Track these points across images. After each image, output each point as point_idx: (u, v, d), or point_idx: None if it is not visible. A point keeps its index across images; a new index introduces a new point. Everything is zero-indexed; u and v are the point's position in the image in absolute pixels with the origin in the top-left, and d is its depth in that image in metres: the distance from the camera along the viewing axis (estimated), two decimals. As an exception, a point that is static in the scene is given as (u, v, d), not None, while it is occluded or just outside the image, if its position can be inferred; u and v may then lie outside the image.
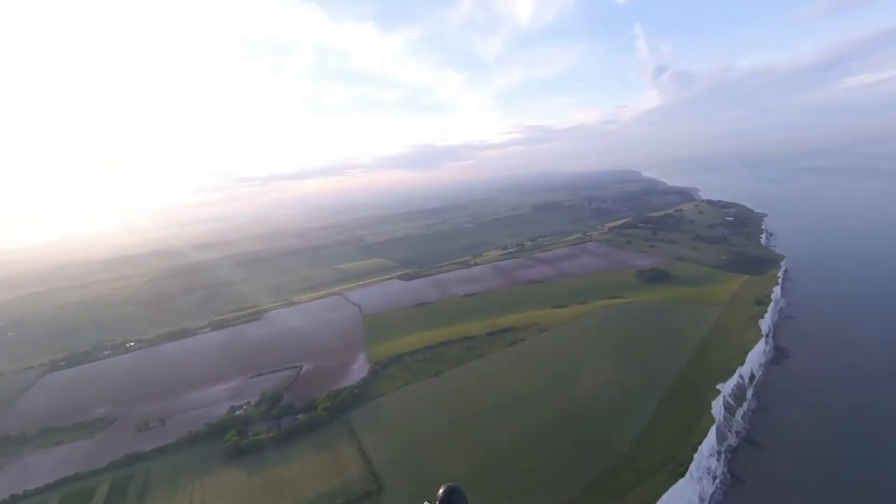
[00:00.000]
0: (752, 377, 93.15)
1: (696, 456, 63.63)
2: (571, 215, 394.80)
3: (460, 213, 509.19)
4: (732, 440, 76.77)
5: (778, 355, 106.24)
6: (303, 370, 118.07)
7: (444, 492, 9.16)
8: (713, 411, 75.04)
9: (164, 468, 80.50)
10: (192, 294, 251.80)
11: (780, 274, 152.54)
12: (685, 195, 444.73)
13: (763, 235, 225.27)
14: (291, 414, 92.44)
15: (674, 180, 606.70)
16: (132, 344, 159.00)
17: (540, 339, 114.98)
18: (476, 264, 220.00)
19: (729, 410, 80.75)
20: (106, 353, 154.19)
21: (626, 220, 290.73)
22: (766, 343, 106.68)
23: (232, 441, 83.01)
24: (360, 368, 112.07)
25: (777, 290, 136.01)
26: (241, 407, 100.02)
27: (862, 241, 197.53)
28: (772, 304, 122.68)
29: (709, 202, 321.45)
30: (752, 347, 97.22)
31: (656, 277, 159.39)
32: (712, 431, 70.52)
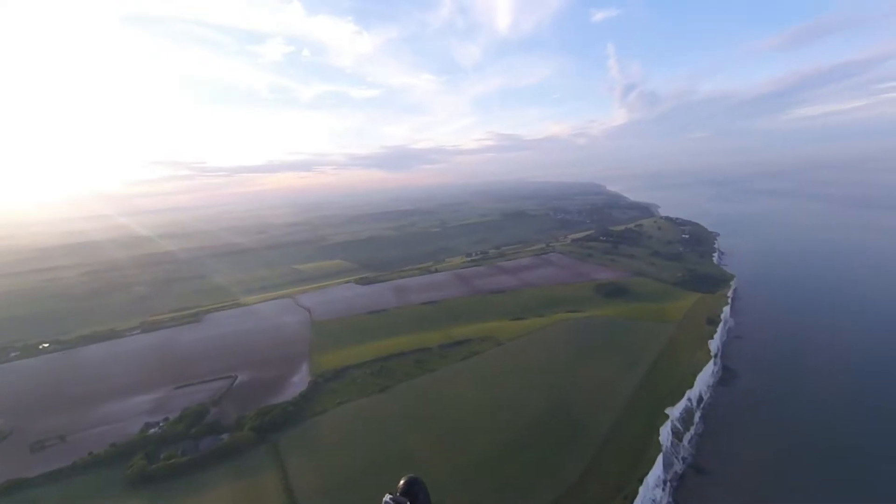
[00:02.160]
0: (700, 399, 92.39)
1: (640, 489, 60.41)
2: (537, 225, 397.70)
3: (428, 217, 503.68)
4: (678, 467, 74.73)
5: (726, 376, 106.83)
6: (236, 381, 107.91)
7: (405, 483, 8.42)
8: (661, 438, 72.66)
9: (51, 498, 69.20)
10: (130, 290, 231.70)
11: (729, 293, 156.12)
12: (645, 210, 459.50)
13: (716, 254, 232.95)
14: (214, 433, 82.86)
15: (635, 195, 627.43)
16: (46, 345, 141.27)
17: (495, 354, 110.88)
18: (438, 271, 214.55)
19: (676, 436, 78.88)
20: (13, 354, 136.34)
21: (588, 232, 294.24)
22: (715, 364, 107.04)
23: (137, 466, 72.77)
24: (300, 381, 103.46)
25: (727, 309, 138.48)
26: (157, 424, 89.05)
27: (806, 263, 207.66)
28: (721, 325, 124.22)
29: (667, 219, 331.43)
30: (701, 369, 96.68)
31: (615, 292, 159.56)
32: (659, 460, 67.90)
